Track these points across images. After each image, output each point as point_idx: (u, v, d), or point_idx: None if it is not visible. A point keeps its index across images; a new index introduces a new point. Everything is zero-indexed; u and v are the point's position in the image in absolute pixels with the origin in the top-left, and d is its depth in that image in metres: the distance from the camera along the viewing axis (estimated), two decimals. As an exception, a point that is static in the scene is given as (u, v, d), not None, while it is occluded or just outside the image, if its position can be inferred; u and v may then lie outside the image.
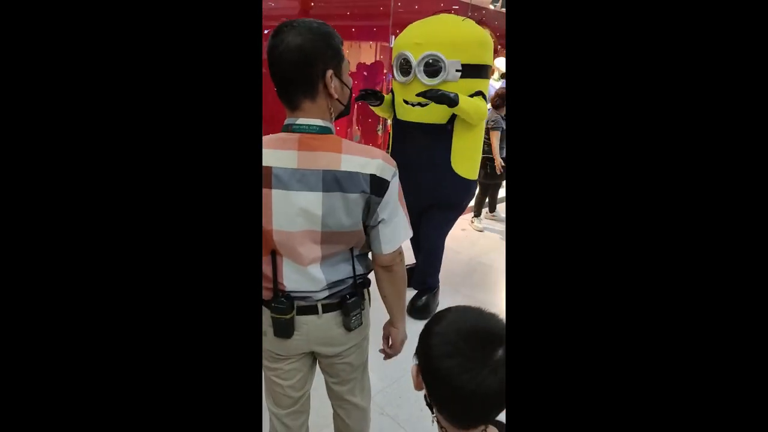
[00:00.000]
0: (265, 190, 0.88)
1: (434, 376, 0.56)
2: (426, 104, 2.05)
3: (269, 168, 0.87)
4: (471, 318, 0.58)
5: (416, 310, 2.37)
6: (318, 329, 1.00)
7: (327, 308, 0.99)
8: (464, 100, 1.95)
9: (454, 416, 0.58)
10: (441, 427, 0.60)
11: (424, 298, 2.42)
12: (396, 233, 0.96)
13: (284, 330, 0.97)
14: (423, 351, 0.58)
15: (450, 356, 0.54)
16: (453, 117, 2.08)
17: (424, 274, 2.44)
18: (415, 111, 2.10)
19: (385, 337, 1.16)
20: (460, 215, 2.48)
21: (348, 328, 1.02)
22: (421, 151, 2.16)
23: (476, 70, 2.07)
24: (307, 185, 0.87)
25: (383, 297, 1.07)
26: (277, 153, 0.88)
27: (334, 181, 0.87)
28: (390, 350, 1.14)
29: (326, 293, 0.97)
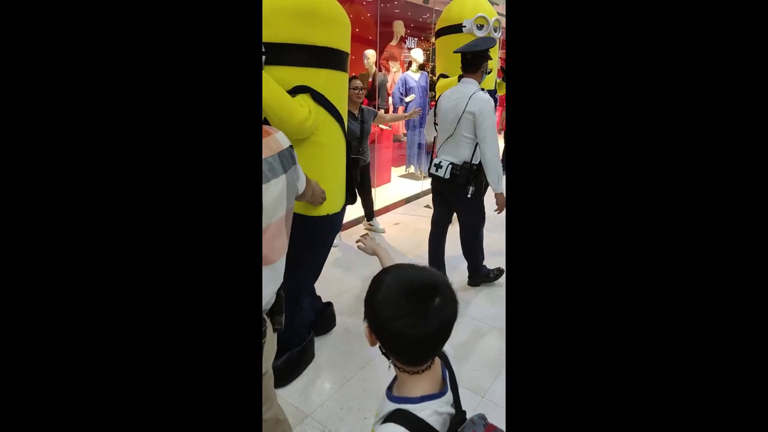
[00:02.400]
0: None
1: (386, 336, 0.64)
2: None
3: None
4: (405, 276, 0.64)
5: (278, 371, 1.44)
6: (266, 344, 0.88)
7: (269, 314, 0.88)
8: None
9: (408, 360, 0.66)
10: (397, 367, 0.68)
11: (283, 357, 1.72)
12: None
13: None
14: (372, 316, 0.64)
15: (397, 318, 0.61)
16: None
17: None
18: None
19: None
20: (322, 258, 1.81)
21: (275, 329, 0.93)
22: None
23: (294, 54, 1.39)
24: (275, 172, 0.87)
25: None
26: None
27: (286, 160, 0.93)
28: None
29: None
